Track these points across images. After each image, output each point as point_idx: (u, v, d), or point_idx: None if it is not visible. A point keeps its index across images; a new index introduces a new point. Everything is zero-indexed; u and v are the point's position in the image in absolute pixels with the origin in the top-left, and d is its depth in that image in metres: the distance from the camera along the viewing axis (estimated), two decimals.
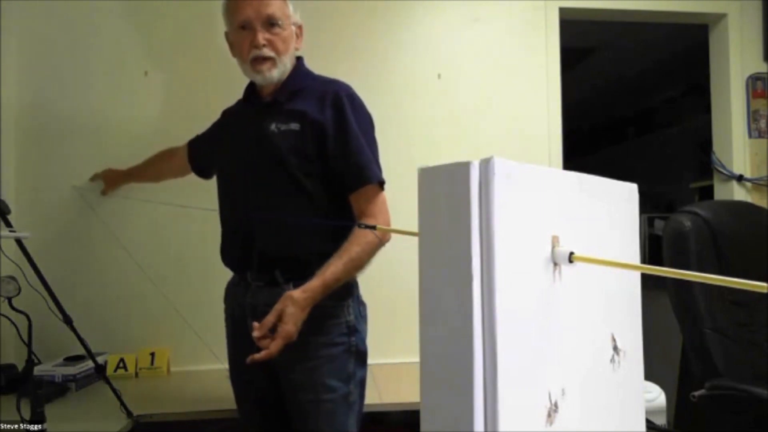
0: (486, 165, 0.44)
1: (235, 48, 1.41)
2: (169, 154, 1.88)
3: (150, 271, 2.01)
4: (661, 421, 2.02)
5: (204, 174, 1.71)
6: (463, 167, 0.44)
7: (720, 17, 2.50)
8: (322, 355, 1.30)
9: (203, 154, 1.68)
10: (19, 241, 1.52)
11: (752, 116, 2.46)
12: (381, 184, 1.34)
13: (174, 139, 2.06)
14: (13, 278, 1.72)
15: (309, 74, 1.46)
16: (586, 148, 5.30)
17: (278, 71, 1.37)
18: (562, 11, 2.36)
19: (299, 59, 1.47)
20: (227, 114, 1.61)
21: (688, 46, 3.37)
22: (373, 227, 1.02)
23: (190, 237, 2.14)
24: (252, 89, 1.48)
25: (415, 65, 2.27)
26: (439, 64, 2.29)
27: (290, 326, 1.18)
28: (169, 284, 2.05)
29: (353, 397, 1.34)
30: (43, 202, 2.09)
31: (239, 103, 1.54)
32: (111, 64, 2.14)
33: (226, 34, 1.44)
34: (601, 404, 0.60)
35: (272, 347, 1.16)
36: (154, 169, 1.95)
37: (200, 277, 2.12)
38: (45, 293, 1.53)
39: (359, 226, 1.26)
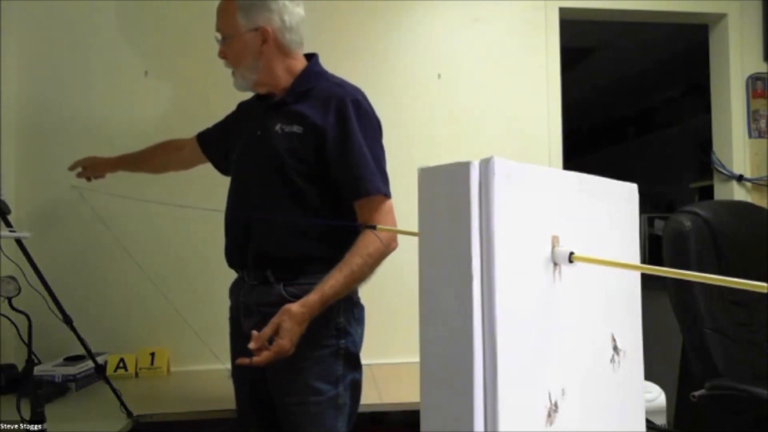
0: (486, 165, 0.44)
1: None
2: (176, 146, 1.79)
3: (150, 271, 2.01)
4: (661, 421, 2.02)
5: (223, 169, 1.65)
6: (463, 167, 0.44)
7: (720, 17, 2.50)
8: (309, 358, 1.27)
9: (217, 148, 1.63)
10: (19, 241, 1.52)
11: (752, 116, 2.46)
12: (383, 194, 1.30)
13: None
14: (13, 278, 1.71)
15: (320, 74, 1.42)
16: (586, 148, 5.30)
17: (237, 83, 1.41)
18: (562, 11, 2.36)
19: (313, 57, 1.44)
20: (241, 107, 1.59)
21: (688, 46, 3.37)
22: (373, 227, 1.01)
23: (190, 237, 2.14)
24: None
25: (415, 65, 2.27)
26: (439, 64, 2.29)
27: (285, 341, 1.16)
28: (169, 284, 2.05)
29: (342, 400, 1.31)
30: (43, 202, 2.09)
31: (254, 97, 1.53)
32: (111, 64, 2.14)
33: None
34: (601, 404, 0.60)
35: (261, 357, 1.15)
36: (157, 160, 1.84)
37: (200, 277, 2.13)
38: (45, 293, 1.53)
39: (359, 226, 1.25)
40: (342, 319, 1.32)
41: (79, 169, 1.86)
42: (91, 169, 1.87)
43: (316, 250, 1.30)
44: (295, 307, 1.19)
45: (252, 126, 1.42)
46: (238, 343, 1.33)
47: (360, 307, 1.40)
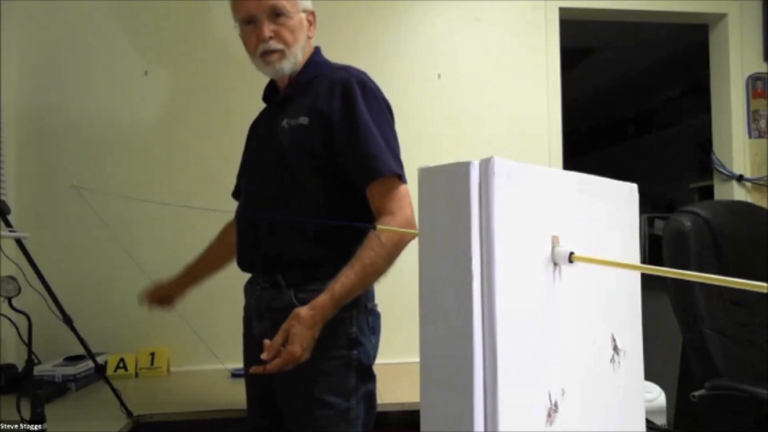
0: (486, 165, 0.44)
1: (244, 44, 1.35)
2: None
3: (150, 271, 2.01)
4: (661, 421, 2.02)
5: None
6: (463, 167, 0.44)
7: (720, 17, 2.50)
8: (318, 369, 1.20)
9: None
10: (19, 241, 1.52)
11: (752, 116, 2.46)
12: (398, 176, 1.21)
13: (174, 140, 2.06)
14: (13, 278, 1.71)
15: (323, 64, 1.38)
16: (586, 148, 5.31)
17: (289, 63, 1.31)
18: (562, 11, 2.36)
19: (316, 49, 1.40)
20: (252, 124, 1.53)
21: (688, 46, 3.37)
22: (374, 228, 0.99)
23: (190, 237, 2.13)
24: (270, 88, 1.43)
25: (415, 65, 2.27)
26: (439, 64, 2.29)
27: (296, 347, 1.10)
28: None
29: (355, 413, 1.23)
30: (43, 202, 2.09)
31: (263, 108, 1.48)
32: (111, 64, 2.14)
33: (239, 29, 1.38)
34: (601, 404, 0.60)
35: (273, 364, 1.11)
36: (225, 257, 1.59)
37: None
38: (45, 293, 1.53)
39: (359, 227, 1.21)
40: (354, 329, 1.24)
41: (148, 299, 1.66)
42: (158, 300, 1.65)
43: (327, 253, 1.24)
44: (304, 310, 1.13)
45: (259, 129, 1.39)
46: (250, 346, 1.29)
47: (375, 315, 1.32)
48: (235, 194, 1.56)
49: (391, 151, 1.24)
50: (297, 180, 1.26)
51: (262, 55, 1.30)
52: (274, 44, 1.29)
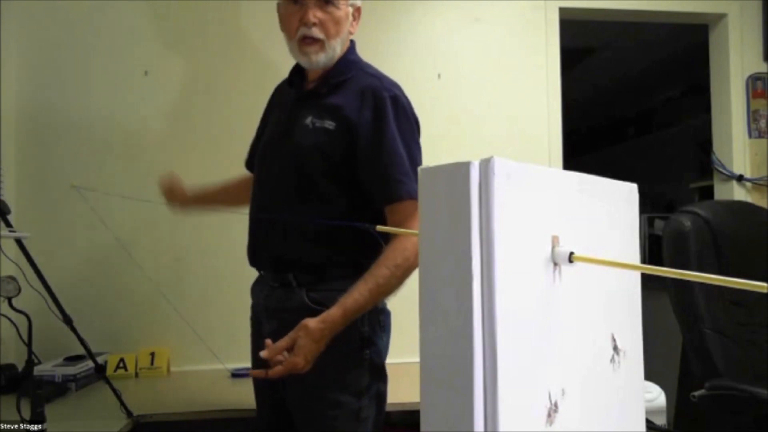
0: (486, 165, 0.44)
1: (283, 23, 1.29)
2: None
3: (150, 271, 2.01)
4: (661, 421, 2.02)
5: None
6: (463, 167, 0.44)
7: (720, 17, 2.50)
8: (330, 369, 1.19)
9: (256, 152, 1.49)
10: (19, 241, 1.52)
11: (752, 116, 2.46)
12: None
13: (174, 140, 2.06)
14: (13, 278, 1.71)
15: (357, 63, 1.34)
16: (586, 148, 5.31)
17: (326, 56, 1.26)
18: (562, 11, 2.36)
19: (351, 44, 1.36)
20: (275, 93, 1.50)
21: (688, 46, 3.37)
22: (374, 228, 0.99)
23: (190, 237, 2.14)
24: (298, 70, 1.37)
25: (415, 65, 2.27)
26: (439, 64, 2.29)
27: (300, 359, 1.11)
28: (169, 284, 2.05)
29: (365, 413, 1.24)
30: (43, 202, 2.09)
31: (285, 83, 1.43)
32: (111, 64, 2.14)
33: (278, 5, 1.32)
34: (601, 404, 0.60)
35: (275, 371, 1.11)
36: (244, 194, 1.53)
37: (200, 276, 2.13)
38: (45, 293, 1.53)
39: (360, 227, 1.20)
40: (366, 328, 1.24)
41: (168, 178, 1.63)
42: (169, 193, 1.62)
43: (339, 255, 1.24)
44: (312, 323, 1.12)
45: (280, 117, 1.35)
46: (258, 346, 1.29)
47: (386, 314, 1.32)
48: (248, 165, 1.53)
49: (415, 172, 1.21)
50: (310, 181, 1.25)
51: (301, 41, 1.26)
52: (317, 32, 1.24)
